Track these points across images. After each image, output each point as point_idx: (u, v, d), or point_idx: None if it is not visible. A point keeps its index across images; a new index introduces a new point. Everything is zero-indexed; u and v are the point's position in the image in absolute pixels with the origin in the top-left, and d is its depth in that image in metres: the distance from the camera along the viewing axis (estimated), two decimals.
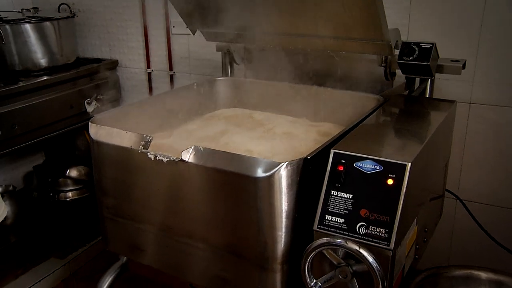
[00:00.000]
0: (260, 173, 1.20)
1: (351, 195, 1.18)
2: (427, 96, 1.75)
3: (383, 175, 1.15)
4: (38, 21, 2.39)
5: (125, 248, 1.57)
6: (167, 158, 1.30)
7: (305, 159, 1.22)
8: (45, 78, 2.39)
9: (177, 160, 1.29)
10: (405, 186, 1.13)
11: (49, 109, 2.38)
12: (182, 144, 1.68)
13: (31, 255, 2.48)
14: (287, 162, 1.19)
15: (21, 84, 2.28)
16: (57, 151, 2.84)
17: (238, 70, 2.25)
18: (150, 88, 2.69)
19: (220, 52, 2.18)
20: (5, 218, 2.43)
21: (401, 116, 1.61)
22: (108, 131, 1.45)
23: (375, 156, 1.17)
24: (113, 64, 2.74)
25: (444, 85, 2.01)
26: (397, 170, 1.14)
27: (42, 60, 2.43)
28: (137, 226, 1.48)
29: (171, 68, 2.59)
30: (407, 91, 1.79)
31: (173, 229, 1.41)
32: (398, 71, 1.79)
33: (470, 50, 1.96)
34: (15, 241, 2.43)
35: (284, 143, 1.67)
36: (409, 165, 1.13)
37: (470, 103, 2.02)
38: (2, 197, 2.42)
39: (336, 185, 1.20)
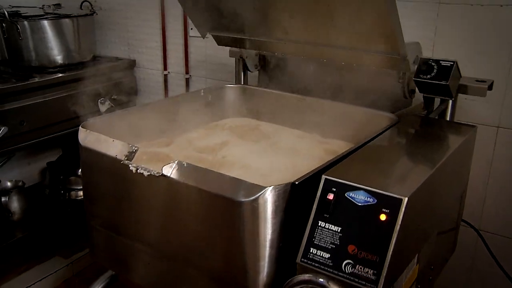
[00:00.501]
0: (243, 196, 1.10)
1: (339, 228, 1.06)
2: (447, 118, 1.60)
3: (376, 209, 1.03)
4: (56, 17, 2.37)
5: (111, 261, 1.50)
6: (148, 172, 1.22)
7: (292, 184, 1.11)
8: (60, 75, 2.36)
9: (157, 175, 1.21)
10: (400, 223, 1.00)
11: (61, 106, 2.35)
12: (179, 154, 1.61)
13: (35, 252, 2.47)
14: (272, 187, 1.08)
15: (35, 80, 2.26)
16: (73, 149, 2.82)
17: (252, 78, 2.15)
18: (166, 91, 2.63)
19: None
20: (12, 214, 2.43)
21: (413, 139, 1.47)
22: (96, 137, 1.39)
23: (369, 187, 1.05)
24: (131, 64, 2.70)
25: (469, 106, 1.85)
26: (392, 204, 1.02)
27: (58, 57, 2.41)
28: (122, 240, 1.41)
29: (187, 71, 2.52)
30: (425, 111, 1.64)
31: (156, 247, 1.33)
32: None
33: (502, 70, 1.79)
34: (21, 237, 2.42)
35: (286, 160, 1.56)
36: (405, 200, 1.01)
37: (498, 127, 1.85)
38: (10, 193, 2.42)
39: (325, 215, 1.08)
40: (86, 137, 1.41)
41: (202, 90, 1.88)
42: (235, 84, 2.03)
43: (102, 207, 1.43)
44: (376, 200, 1.04)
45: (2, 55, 2.49)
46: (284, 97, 1.88)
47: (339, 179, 1.09)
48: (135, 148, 1.29)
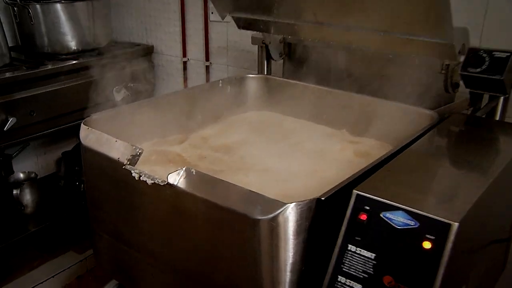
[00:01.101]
0: (260, 213, 0.94)
1: (373, 255, 0.89)
2: (497, 117, 1.39)
3: (418, 235, 0.85)
4: (70, 0, 2.23)
5: (114, 269, 1.37)
6: (152, 180, 1.07)
7: (318, 200, 0.94)
8: (73, 62, 2.23)
9: (162, 183, 1.05)
10: (448, 254, 0.82)
11: (75, 95, 2.23)
12: (191, 154, 1.46)
13: (49, 247, 2.38)
14: (294, 204, 0.92)
15: (47, 67, 2.14)
16: None
17: (277, 67, 1.98)
18: (185, 79, 2.48)
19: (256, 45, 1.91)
20: (25, 207, 2.34)
21: (460, 143, 1.27)
22: (98, 136, 1.24)
23: (410, 207, 0.87)
24: (149, 50, 2.55)
25: None
26: (438, 230, 0.84)
27: (72, 43, 2.28)
28: (125, 249, 1.27)
29: (207, 59, 2.36)
30: (471, 109, 1.44)
31: (160, 259, 1.18)
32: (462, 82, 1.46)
33: None
34: (34, 231, 2.33)
35: (310, 163, 1.38)
36: (455, 226, 0.83)
37: None
38: (22, 185, 2.32)
39: (356, 238, 0.91)
40: (88, 136, 1.26)
41: (220, 81, 1.72)
42: (257, 74, 1.85)
43: (104, 212, 1.30)
44: (418, 224, 0.86)
45: (15, 41, 2.38)
46: (311, 90, 1.69)
47: (374, 195, 0.91)
48: (139, 151, 1.14)
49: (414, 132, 1.42)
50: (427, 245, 0.84)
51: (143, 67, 2.48)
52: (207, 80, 2.37)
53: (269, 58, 1.91)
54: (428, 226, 0.85)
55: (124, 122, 1.46)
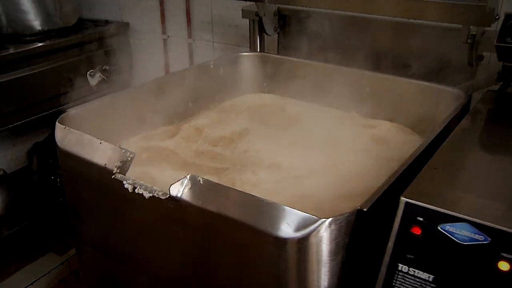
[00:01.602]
0: (287, 231, 0.76)
1: (431, 276, 0.73)
2: None
3: (490, 253, 0.69)
4: None
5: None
6: (149, 192, 0.88)
7: (359, 212, 0.77)
8: (39, 44, 1.98)
9: (163, 197, 0.86)
10: None
11: (43, 82, 1.99)
12: (186, 150, 1.27)
13: (26, 251, 2.17)
14: (331, 219, 0.75)
15: (8, 51, 1.88)
16: None
17: (270, 42, 1.78)
18: (166, 59, 2.25)
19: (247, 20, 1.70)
20: None
21: (508, 127, 1.09)
22: (78, 137, 1.04)
23: (477, 218, 0.71)
24: (124, 28, 2.30)
25: None
26: None
27: (35, 22, 2.01)
28: (117, 267, 1.09)
29: (190, 35, 2.13)
30: (500, 85, 1.28)
31: (164, 282, 1.00)
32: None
33: None
34: (8, 234, 2.11)
35: (325, 153, 1.21)
36: None
37: None
38: None
39: (408, 256, 0.75)
40: (65, 137, 1.06)
41: (211, 62, 1.51)
42: (251, 51, 1.65)
43: (91, 226, 1.11)
44: (489, 239, 0.70)
45: None
46: (314, 67, 1.51)
47: (428, 203, 0.75)
48: (130, 155, 0.94)
49: (438, 113, 1.28)
50: (503, 266, 0.68)
51: (119, 47, 2.24)
52: (191, 59, 2.15)
53: (262, 33, 1.71)
54: (503, 242, 0.69)
55: (106, 116, 1.26)
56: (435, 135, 1.02)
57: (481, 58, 1.34)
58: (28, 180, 2.40)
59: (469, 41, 1.28)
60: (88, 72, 2.11)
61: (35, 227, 2.22)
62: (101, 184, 0.98)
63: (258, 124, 1.38)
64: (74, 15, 2.18)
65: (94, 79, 2.13)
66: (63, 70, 2.03)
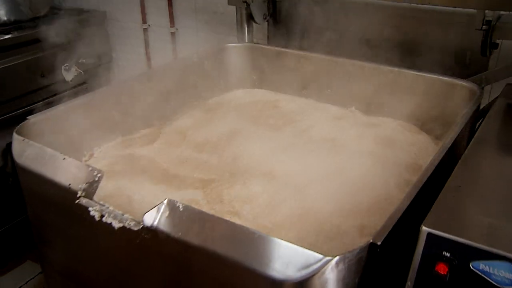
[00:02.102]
0: (284, 272, 0.62)
1: None
2: None
3: None
4: None
5: None
6: (120, 222, 0.73)
7: (372, 245, 0.64)
8: (6, 37, 1.81)
9: (136, 228, 0.72)
10: None
11: (10, 78, 1.82)
12: (168, 157, 1.12)
13: (0, 259, 2.02)
14: (338, 257, 0.61)
15: None
16: None
17: (259, 31, 1.62)
18: (147, 50, 2.09)
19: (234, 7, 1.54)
20: None
21: None
22: (39, 151, 0.89)
23: None
24: (101, 17, 2.12)
25: None
26: None
27: (1, 12, 1.84)
28: None
29: (172, 24, 1.97)
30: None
31: None
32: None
33: None
34: None
35: (325, 159, 1.07)
36: None
37: None
38: None
39: None
40: (24, 151, 0.91)
41: (194, 55, 1.36)
42: (239, 42, 1.49)
43: (58, 252, 0.96)
44: None
45: None
46: (309, 59, 1.37)
47: (456, 235, 0.61)
48: (98, 175, 0.80)
49: (448, 109, 1.14)
50: None
51: (96, 39, 2.06)
52: (174, 49, 1.99)
53: (250, 21, 1.55)
54: None
55: (76, 120, 1.11)
56: (452, 140, 0.88)
57: (495, 46, 1.20)
58: (2, 183, 2.24)
59: (484, 27, 1.14)
60: (62, 66, 1.94)
61: (10, 234, 2.07)
62: (66, 207, 0.84)
63: (248, 125, 1.23)
64: (45, 4, 2.00)
65: (69, 74, 1.97)
66: (34, 64, 1.87)
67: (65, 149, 1.08)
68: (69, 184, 0.81)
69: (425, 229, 0.63)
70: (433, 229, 0.62)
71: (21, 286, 1.93)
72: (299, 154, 1.09)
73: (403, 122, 1.23)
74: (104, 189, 0.98)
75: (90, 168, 0.81)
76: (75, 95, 1.29)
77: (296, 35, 1.48)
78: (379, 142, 1.14)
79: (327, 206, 0.94)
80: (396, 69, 1.24)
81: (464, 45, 1.30)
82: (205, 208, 0.92)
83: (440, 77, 1.18)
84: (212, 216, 0.69)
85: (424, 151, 1.12)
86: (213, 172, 1.05)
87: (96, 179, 0.79)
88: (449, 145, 0.87)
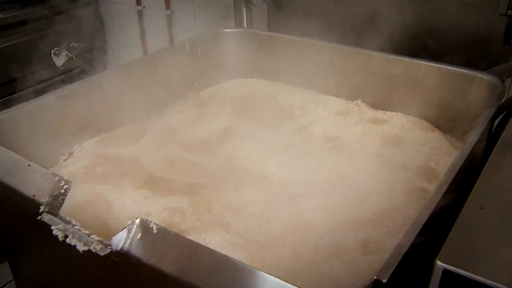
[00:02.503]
0: None
1: None
2: None
3: None
4: None
5: None
6: (85, 245, 0.64)
7: (375, 282, 0.54)
8: None
9: (102, 252, 0.62)
10: None
11: None
12: (153, 158, 1.02)
13: None
14: None
15: None
16: None
17: (259, 15, 1.50)
18: (143, 33, 1.97)
19: None
20: None
21: None
22: (2, 155, 0.79)
23: None
24: None
25: None
26: None
27: None
28: None
29: (168, 6, 1.85)
30: None
31: None
32: None
33: None
34: None
35: (327, 161, 0.97)
36: None
37: None
38: None
39: None
40: None
41: (187, 42, 1.25)
42: (236, 28, 1.38)
43: (29, 267, 0.87)
44: None
45: None
46: (312, 47, 1.25)
47: (478, 274, 0.51)
48: (65, 186, 0.70)
49: (465, 104, 1.03)
50: None
51: (88, 21, 1.95)
52: (170, 33, 1.88)
53: (248, 4, 1.43)
54: None
55: (54, 116, 1.01)
56: (473, 144, 0.77)
57: None
58: None
59: (509, 12, 1.01)
60: (52, 51, 1.84)
61: None
62: (32, 220, 0.74)
63: (243, 120, 1.13)
64: None
65: (60, 59, 1.86)
66: (21, 49, 1.76)
67: (43, 147, 1.01)
68: (34, 196, 0.72)
69: (440, 264, 0.53)
70: (450, 265, 0.52)
71: (3, 285, 1.85)
72: (298, 156, 0.99)
73: (414, 118, 1.12)
74: (81, 194, 0.89)
75: (56, 178, 0.71)
76: (66, 81, 1.20)
77: (299, 21, 1.36)
78: (387, 141, 1.04)
79: (327, 217, 0.84)
80: (407, 59, 1.12)
81: (483, 32, 1.18)
82: (191, 219, 0.83)
83: (457, 69, 1.06)
84: (190, 241, 0.59)
85: (437, 151, 1.01)
86: (202, 176, 0.95)
87: (62, 191, 0.69)
88: (469, 150, 0.76)
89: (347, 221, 0.83)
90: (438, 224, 0.61)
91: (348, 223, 0.82)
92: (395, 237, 0.78)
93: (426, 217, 0.62)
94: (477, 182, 0.65)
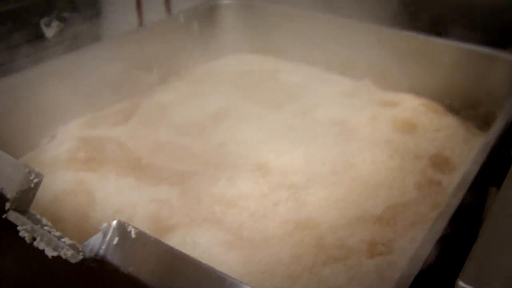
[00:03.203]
0: None
1: None
2: None
3: None
4: None
5: None
6: (54, 250, 0.56)
7: None
8: None
9: (73, 260, 0.55)
10: None
11: None
12: (142, 141, 0.94)
13: None
14: None
15: None
16: None
17: None
18: (138, 1, 1.86)
19: None
20: None
21: None
22: None
23: None
24: None
25: None
26: None
27: None
28: None
29: None
30: None
31: None
32: None
33: None
34: None
35: (332, 150, 0.89)
36: None
37: None
38: None
39: None
40: None
41: (181, 14, 1.15)
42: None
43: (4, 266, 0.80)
44: None
45: None
46: (316, 21, 1.15)
47: None
48: (36, 180, 0.62)
49: (484, 88, 0.94)
50: None
51: None
52: (167, 4, 1.77)
53: None
54: None
55: (37, 93, 0.94)
56: (496, 135, 0.69)
57: None
58: None
59: None
60: (41, 21, 1.73)
61: None
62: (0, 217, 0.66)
63: (241, 101, 1.04)
64: None
65: (50, 29, 1.76)
66: (8, 18, 1.66)
67: (23, 129, 0.93)
68: (2, 188, 0.64)
69: (462, 285, 0.45)
70: (474, 286, 0.44)
71: None
72: (300, 141, 0.90)
73: (426, 101, 1.02)
74: (61, 182, 0.82)
75: (27, 170, 0.62)
76: (57, 55, 1.11)
77: None
78: (398, 126, 0.95)
79: (331, 213, 0.76)
80: (421, 36, 1.02)
81: (505, 5, 1.07)
82: (180, 214, 0.75)
83: (476, 47, 0.96)
84: (172, 250, 0.51)
85: (452, 138, 0.92)
86: (195, 163, 0.87)
87: (32, 185, 0.61)
88: (494, 139, 0.67)
89: (353, 217, 0.75)
90: (459, 233, 0.53)
91: (353, 220, 0.75)
92: (404, 238, 0.71)
93: (445, 222, 0.54)
94: (504, 183, 0.57)
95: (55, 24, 1.77)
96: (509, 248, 0.49)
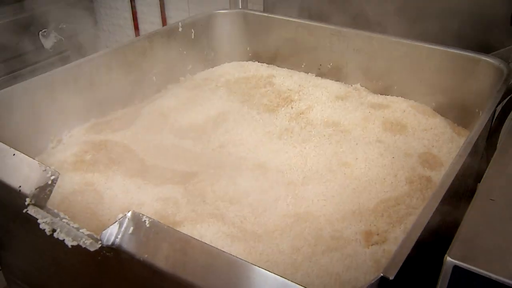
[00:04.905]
0: None
1: None
2: None
3: None
4: None
5: None
6: (74, 240, 0.60)
7: (382, 280, 0.51)
8: None
9: (92, 248, 0.59)
10: None
11: None
12: (145, 144, 0.98)
13: None
14: None
15: None
16: None
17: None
18: (134, 14, 1.92)
19: None
20: None
21: None
22: None
23: None
24: None
25: None
26: None
27: None
28: None
29: None
30: None
31: None
32: None
33: None
34: None
35: (326, 149, 0.93)
36: None
37: None
38: None
39: None
40: None
41: (180, 23, 1.20)
42: (230, 9, 1.33)
43: (19, 259, 0.84)
44: None
45: None
46: (310, 29, 1.20)
47: (490, 271, 0.48)
48: (53, 177, 0.66)
49: (468, 89, 1.00)
50: None
51: (77, 1, 1.89)
52: (163, 13, 1.82)
53: None
54: None
55: (41, 100, 0.97)
56: (479, 131, 0.74)
57: None
58: None
59: None
60: (40, 32, 1.78)
61: None
62: (18, 212, 0.70)
63: (238, 105, 1.09)
64: None
65: (48, 41, 1.81)
66: (8, 30, 1.70)
67: (30, 134, 0.96)
68: (19, 187, 0.68)
69: (450, 261, 0.49)
70: (460, 261, 0.49)
71: None
72: (296, 142, 0.95)
73: (415, 103, 1.08)
74: (70, 183, 0.86)
75: (43, 168, 0.67)
76: (55, 65, 1.15)
77: (296, 1, 1.32)
78: (388, 127, 1.00)
79: (327, 207, 0.81)
80: (409, 41, 1.08)
81: (487, 13, 1.14)
82: (185, 210, 0.79)
83: (460, 52, 1.02)
84: (185, 236, 0.56)
85: (440, 137, 0.98)
86: (197, 164, 0.92)
87: (49, 182, 0.66)
88: (476, 136, 0.73)
89: (349, 211, 0.80)
90: (446, 217, 0.58)
91: (349, 214, 0.79)
92: (398, 228, 0.76)
93: (434, 208, 0.59)
94: (486, 171, 0.62)
95: (52, 36, 1.81)
96: (491, 228, 0.54)
